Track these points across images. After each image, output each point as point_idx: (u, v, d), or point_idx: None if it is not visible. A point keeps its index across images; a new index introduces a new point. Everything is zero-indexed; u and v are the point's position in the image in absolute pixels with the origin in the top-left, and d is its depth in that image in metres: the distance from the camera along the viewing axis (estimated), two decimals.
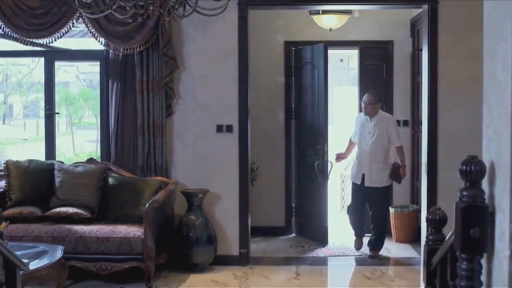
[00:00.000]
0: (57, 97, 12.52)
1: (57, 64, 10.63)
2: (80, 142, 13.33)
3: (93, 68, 13.34)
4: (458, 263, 2.51)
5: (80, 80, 14.81)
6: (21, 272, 3.26)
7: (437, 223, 3.04)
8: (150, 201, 6.13)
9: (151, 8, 4.61)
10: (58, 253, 4.92)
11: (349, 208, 7.77)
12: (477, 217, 2.43)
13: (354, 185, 7.67)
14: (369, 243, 7.48)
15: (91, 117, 13.21)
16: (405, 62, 8.42)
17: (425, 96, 6.99)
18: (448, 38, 6.85)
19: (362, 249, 7.60)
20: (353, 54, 13.09)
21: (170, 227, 6.77)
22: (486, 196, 2.49)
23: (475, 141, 6.83)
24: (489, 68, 2.59)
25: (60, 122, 13.64)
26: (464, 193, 2.46)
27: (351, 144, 7.87)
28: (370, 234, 7.54)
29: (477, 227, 2.43)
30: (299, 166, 8.45)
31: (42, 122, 13.57)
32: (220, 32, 6.95)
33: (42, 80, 12.24)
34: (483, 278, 2.52)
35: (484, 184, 2.52)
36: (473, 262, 2.47)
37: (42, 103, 12.84)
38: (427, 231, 6.80)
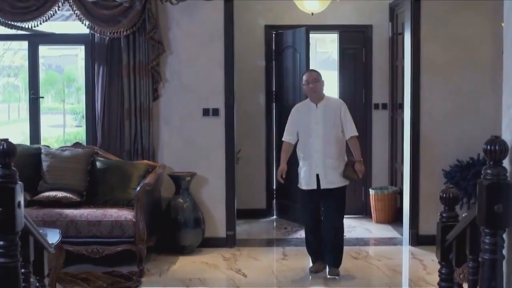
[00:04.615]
0: (21, 82, 12.35)
1: (17, 47, 10.38)
2: (43, 127, 13.18)
3: (53, 52, 13.17)
4: (481, 237, 2.64)
5: (39, 64, 14.60)
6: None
7: (450, 201, 3.15)
8: (141, 184, 6.16)
9: None
10: (57, 236, 4.93)
11: (307, 227, 6.29)
12: (500, 193, 2.57)
13: (308, 193, 6.08)
14: (330, 261, 6.07)
15: (58, 102, 13.05)
16: (384, 46, 8.55)
17: (408, 80, 7.15)
18: (430, 23, 7.00)
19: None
20: (325, 38, 13.22)
21: (158, 210, 6.82)
22: (508, 174, 2.62)
23: (456, 124, 7.12)
24: (510, 54, 2.75)
25: (21, 108, 13.47)
26: (488, 171, 2.59)
27: (288, 147, 6.24)
28: (327, 250, 6.10)
29: (501, 203, 2.56)
30: (280, 149, 8.51)
31: (1, 107, 13.34)
32: (206, 16, 6.97)
33: (13, 65, 12.10)
34: (505, 251, 2.65)
35: (505, 163, 2.64)
36: (496, 236, 2.60)
37: (9, 88, 12.68)
38: (406, 213, 7.00)
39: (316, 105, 6.07)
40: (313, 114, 6.06)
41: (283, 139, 6.28)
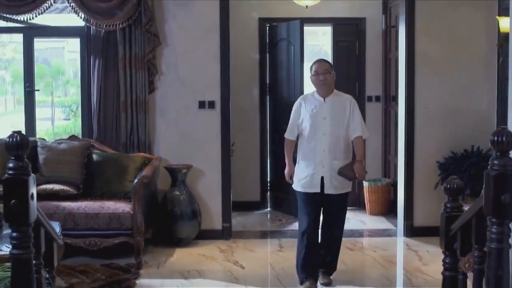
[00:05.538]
0: (11, 75, 12.29)
1: (7, 40, 10.33)
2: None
3: (39, 45, 13.12)
4: (488, 227, 2.68)
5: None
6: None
7: (454, 191, 3.20)
8: (139, 177, 6.17)
9: None
10: (57, 228, 4.93)
11: (304, 234, 5.51)
12: (507, 184, 2.60)
13: (309, 196, 5.48)
14: (323, 266, 5.64)
15: (46, 95, 13.00)
16: (377, 39, 8.60)
17: (402, 73, 7.19)
18: (424, 17, 7.04)
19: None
20: (316, 31, 13.23)
21: (154, 203, 6.84)
22: None
23: (450, 116, 7.18)
24: None
25: (8, 101, 13.43)
26: (495, 162, 2.62)
27: (292, 145, 5.68)
28: (322, 254, 5.63)
29: (508, 193, 2.60)
30: (274, 141, 8.57)
31: None
32: (201, 9, 6.99)
33: (4, 57, 12.03)
34: (511, 240, 2.70)
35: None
36: (503, 226, 2.64)
37: None
38: (400, 205, 7.06)
39: (324, 99, 5.44)
40: (320, 109, 5.41)
41: (286, 136, 5.65)
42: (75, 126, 10.96)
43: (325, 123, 5.39)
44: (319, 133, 5.40)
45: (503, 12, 6.62)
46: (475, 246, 2.93)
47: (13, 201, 2.52)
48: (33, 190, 2.60)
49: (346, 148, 5.46)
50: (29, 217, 2.57)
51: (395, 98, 8.18)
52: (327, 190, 5.40)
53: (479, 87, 7.08)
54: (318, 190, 5.41)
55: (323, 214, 5.61)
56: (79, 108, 11.49)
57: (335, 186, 5.41)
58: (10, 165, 2.54)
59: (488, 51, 6.99)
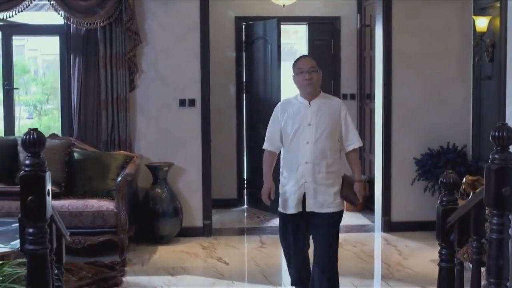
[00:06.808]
0: None
1: None
2: None
3: None
4: (489, 218, 2.80)
5: None
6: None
7: (450, 185, 3.31)
8: (123, 175, 6.19)
9: None
10: None
11: (296, 275, 4.86)
12: (508, 177, 2.73)
13: (292, 219, 4.69)
14: None
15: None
16: (352, 37, 8.74)
17: (379, 71, 7.32)
18: (401, 15, 7.18)
19: None
20: (288, 29, 13.32)
21: (135, 201, 6.86)
22: None
23: (427, 113, 7.33)
24: None
25: None
26: (496, 156, 2.75)
27: (271, 158, 4.85)
28: None
29: (508, 186, 2.72)
30: (251, 139, 8.65)
31: None
32: (181, 7, 7.03)
33: None
34: (511, 231, 2.82)
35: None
36: (504, 217, 2.77)
37: None
38: (378, 201, 7.19)
39: (309, 103, 4.65)
40: (304, 113, 4.62)
41: (265, 147, 4.85)
42: (40, 125, 10.86)
43: (309, 130, 4.59)
44: (302, 142, 4.61)
45: (479, 11, 6.80)
46: (473, 237, 3.05)
47: (30, 197, 2.56)
48: (49, 186, 2.64)
49: (333, 161, 4.62)
50: (46, 213, 2.61)
51: (369, 96, 8.32)
52: (309, 208, 4.60)
53: (454, 85, 7.24)
54: (300, 209, 4.63)
55: (313, 243, 4.76)
56: (44, 107, 11.50)
57: (321, 204, 4.59)
58: (27, 162, 2.59)
59: (463, 49, 7.15)
